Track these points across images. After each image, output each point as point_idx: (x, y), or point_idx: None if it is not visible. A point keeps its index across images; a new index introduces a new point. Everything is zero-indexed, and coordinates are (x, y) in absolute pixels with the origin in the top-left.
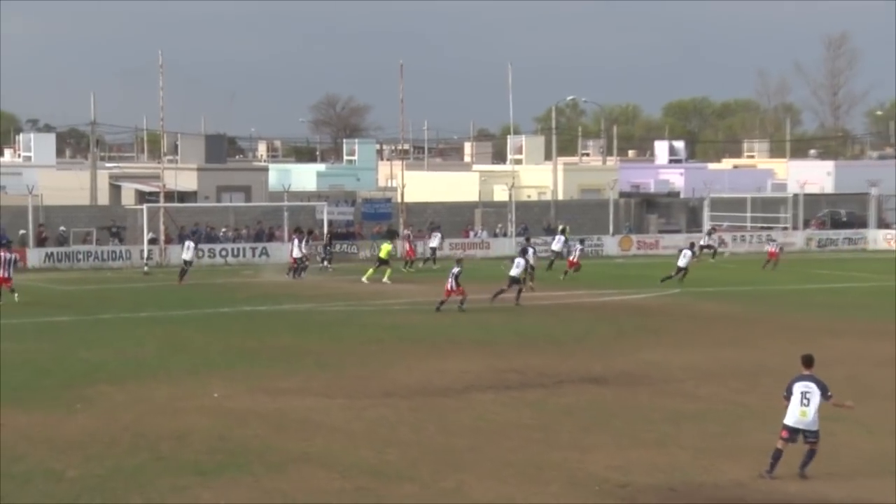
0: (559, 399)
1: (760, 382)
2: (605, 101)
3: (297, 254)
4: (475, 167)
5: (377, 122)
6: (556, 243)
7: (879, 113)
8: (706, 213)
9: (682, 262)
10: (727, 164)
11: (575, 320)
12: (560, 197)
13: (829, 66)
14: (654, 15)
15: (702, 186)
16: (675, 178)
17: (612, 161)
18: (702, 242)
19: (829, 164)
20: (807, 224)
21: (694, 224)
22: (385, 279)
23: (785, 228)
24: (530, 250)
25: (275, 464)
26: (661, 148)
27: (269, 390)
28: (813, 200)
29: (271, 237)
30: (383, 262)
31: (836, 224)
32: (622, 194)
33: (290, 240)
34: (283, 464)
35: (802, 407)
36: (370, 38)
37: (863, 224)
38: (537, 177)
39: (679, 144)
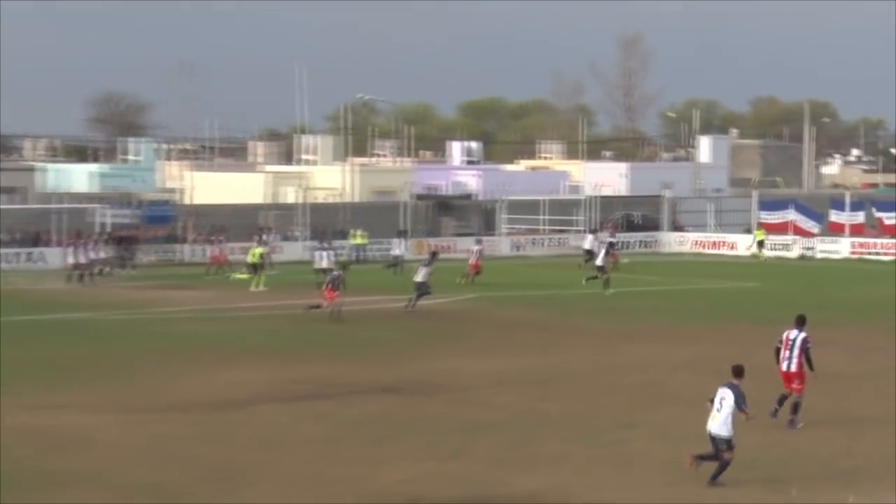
0: (350, 410)
1: (558, 390)
2: (399, 99)
3: (73, 259)
4: (265, 168)
5: (162, 120)
6: (397, 247)
7: (672, 114)
8: (501, 216)
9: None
10: (523, 165)
11: (368, 327)
12: (353, 199)
13: (624, 66)
14: (450, 13)
15: (497, 188)
16: (471, 180)
17: (406, 162)
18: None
19: (623, 166)
20: (601, 227)
21: (489, 227)
22: (256, 287)
23: (580, 232)
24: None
25: (47, 485)
26: (456, 149)
27: (45, 406)
28: (608, 203)
29: (48, 242)
30: (254, 268)
31: (631, 226)
32: (417, 197)
33: (67, 245)
34: (56, 485)
35: (714, 412)
36: (153, 34)
37: (656, 227)
38: (329, 178)
39: (474, 145)
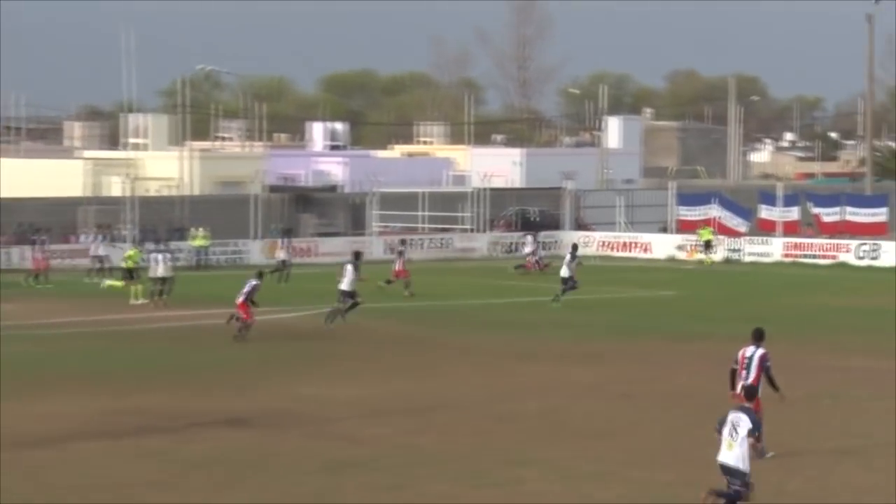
0: (190, 447)
1: (437, 420)
2: (248, 71)
3: None
4: (84, 153)
5: None
6: (281, 251)
7: (575, 91)
8: (372, 212)
9: (564, 272)
10: (398, 151)
11: (212, 346)
12: (193, 191)
13: (517, 34)
14: None
15: (367, 179)
16: (336, 169)
17: (257, 147)
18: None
19: (517, 153)
20: (492, 225)
21: (358, 224)
22: (136, 299)
23: (467, 230)
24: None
25: None
26: (317, 131)
27: None
28: (499, 196)
29: None
30: (130, 274)
31: (527, 224)
32: (270, 188)
33: None
34: None
35: (729, 439)
36: None
37: (557, 224)
38: (163, 166)
39: (339, 127)
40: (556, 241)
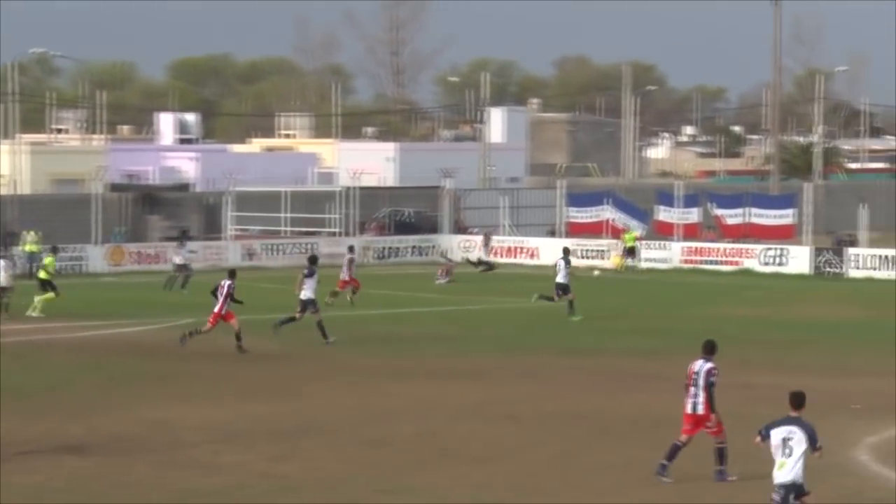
0: (22, 478)
1: (303, 445)
2: (87, 56)
3: None
4: None
5: None
6: (177, 254)
7: (454, 79)
8: (228, 213)
9: (561, 278)
10: (257, 145)
11: (46, 365)
12: (24, 190)
13: (390, 15)
14: None
15: (222, 176)
16: (186, 165)
17: (98, 140)
18: (472, 258)
19: (390, 148)
20: (363, 228)
21: (213, 227)
22: (33, 311)
23: (334, 234)
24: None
25: None
26: (165, 123)
27: None
28: (370, 195)
29: None
30: (46, 285)
31: (401, 227)
32: (113, 187)
33: None
34: None
35: (782, 458)
36: None
37: (434, 227)
38: None
39: (191, 118)
40: (432, 246)
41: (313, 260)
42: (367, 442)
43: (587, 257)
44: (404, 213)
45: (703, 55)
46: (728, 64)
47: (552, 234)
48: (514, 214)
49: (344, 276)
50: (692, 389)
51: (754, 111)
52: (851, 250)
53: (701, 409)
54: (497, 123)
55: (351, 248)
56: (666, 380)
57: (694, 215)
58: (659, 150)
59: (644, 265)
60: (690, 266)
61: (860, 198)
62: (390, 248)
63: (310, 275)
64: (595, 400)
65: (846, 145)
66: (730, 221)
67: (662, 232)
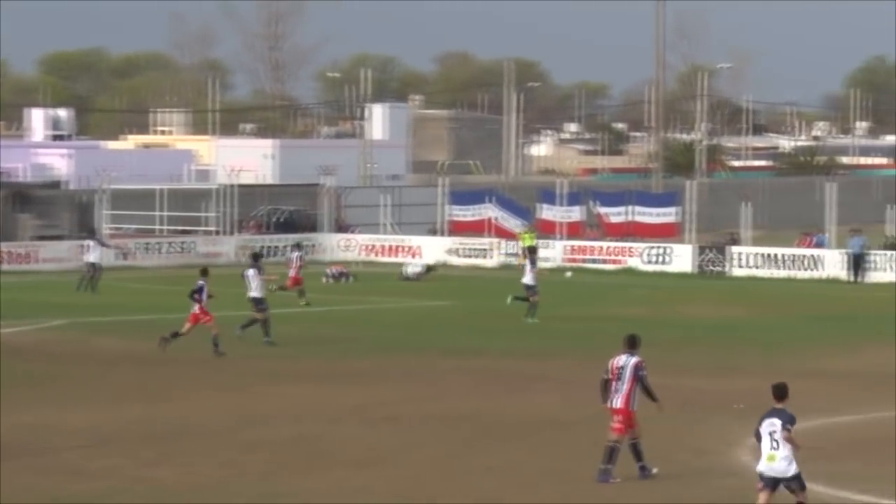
0: None
1: (178, 450)
2: None
3: None
4: None
5: None
6: (91, 252)
7: (334, 75)
8: (102, 212)
9: (528, 279)
10: (131, 142)
11: None
12: None
13: (268, 10)
14: None
15: (96, 173)
16: (59, 162)
17: None
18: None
19: (269, 145)
20: (241, 226)
21: (86, 226)
22: None
23: (211, 233)
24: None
25: None
26: (37, 119)
27: None
28: (249, 193)
29: None
30: None
31: (280, 226)
32: None
33: None
34: None
35: (771, 451)
36: None
37: (314, 226)
38: None
39: (63, 114)
40: (312, 245)
41: (256, 257)
42: (243, 446)
43: (469, 256)
44: (283, 211)
45: (585, 51)
46: (611, 60)
47: (434, 232)
48: (395, 213)
49: (293, 273)
50: (616, 384)
51: (637, 108)
52: (734, 249)
53: (620, 403)
54: (378, 120)
55: (298, 246)
56: (549, 381)
57: (577, 214)
58: (542, 148)
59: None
60: (573, 265)
61: (743, 196)
62: (269, 247)
63: (258, 272)
64: (477, 401)
65: (729, 143)
66: (613, 220)
67: (545, 230)
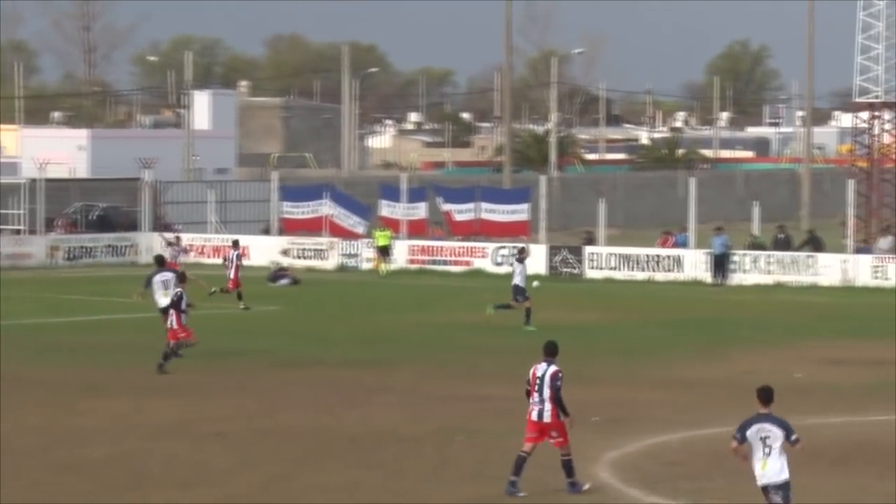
0: None
1: None
2: None
3: None
4: None
5: None
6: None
7: (153, 59)
8: None
9: (518, 280)
10: None
11: None
12: None
13: None
14: None
15: None
16: None
17: None
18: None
19: (82, 135)
20: (51, 225)
21: None
22: None
23: (18, 232)
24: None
25: None
26: None
27: None
28: (60, 188)
29: None
30: None
31: (95, 224)
32: None
33: None
34: None
35: (764, 458)
36: None
37: (134, 224)
38: None
39: None
40: (131, 245)
41: (160, 260)
42: (57, 466)
43: (304, 257)
44: (98, 208)
45: (428, 35)
46: (456, 45)
47: (266, 231)
48: (222, 210)
49: (231, 274)
50: (536, 395)
51: (485, 97)
52: (589, 249)
53: (548, 417)
54: (202, 108)
55: (235, 243)
56: (389, 392)
57: (421, 211)
58: (382, 139)
59: (367, 265)
60: (417, 266)
61: (599, 192)
62: (82, 247)
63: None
64: (313, 416)
65: (583, 134)
66: (459, 217)
67: (388, 229)
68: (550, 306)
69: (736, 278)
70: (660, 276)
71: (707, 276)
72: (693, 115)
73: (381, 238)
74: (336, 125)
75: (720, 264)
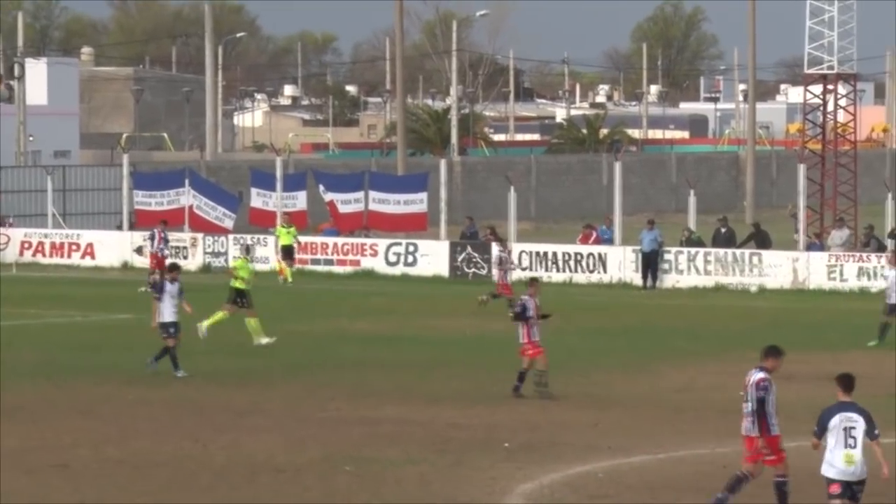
0: None
1: None
2: None
3: None
4: None
5: None
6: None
7: None
8: None
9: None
10: None
11: None
12: None
13: None
14: None
15: None
16: None
17: None
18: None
19: None
20: None
21: None
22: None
23: None
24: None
25: None
26: None
27: None
28: None
29: None
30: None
31: None
32: None
33: None
34: None
35: (847, 450)
36: None
37: None
38: None
39: None
40: None
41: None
42: None
43: (284, 269)
44: None
45: None
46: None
47: (119, 226)
48: (62, 200)
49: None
50: (746, 406)
51: (373, 67)
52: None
53: (755, 431)
54: (37, 80)
55: (152, 232)
56: (264, 415)
57: (300, 201)
58: (252, 117)
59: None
60: (296, 266)
61: (508, 178)
62: None
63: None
64: (174, 442)
65: (489, 111)
66: (345, 209)
67: (259, 223)
68: (453, 313)
69: (669, 280)
70: (580, 277)
71: (636, 278)
72: (617, 88)
73: (285, 236)
74: (198, 100)
75: (651, 264)
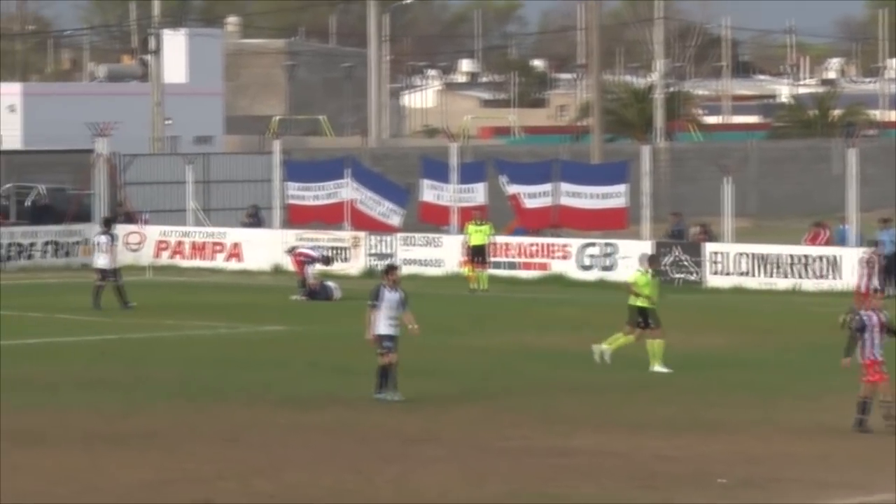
0: None
1: None
2: None
3: None
4: None
5: None
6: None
7: None
8: None
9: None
10: None
11: None
12: None
13: None
14: None
15: None
16: None
17: None
18: None
19: (14, 91)
20: None
21: None
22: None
23: None
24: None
25: None
26: None
27: None
28: None
29: None
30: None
31: (33, 213)
32: None
33: None
34: None
35: None
36: None
37: (87, 213)
38: None
39: None
40: (78, 242)
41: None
42: None
43: (472, 271)
44: (35, 190)
45: None
46: None
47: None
48: (204, 193)
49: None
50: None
51: (564, 38)
52: (711, 247)
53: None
54: (176, 55)
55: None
56: (436, 442)
57: (478, 194)
58: (423, 97)
59: (404, 270)
60: (480, 271)
61: (724, 168)
62: (17, 244)
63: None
64: (333, 474)
65: (700, 89)
66: (531, 204)
67: (431, 220)
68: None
69: None
70: (809, 283)
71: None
72: (852, 62)
73: (477, 235)
74: (360, 77)
75: (892, 268)
